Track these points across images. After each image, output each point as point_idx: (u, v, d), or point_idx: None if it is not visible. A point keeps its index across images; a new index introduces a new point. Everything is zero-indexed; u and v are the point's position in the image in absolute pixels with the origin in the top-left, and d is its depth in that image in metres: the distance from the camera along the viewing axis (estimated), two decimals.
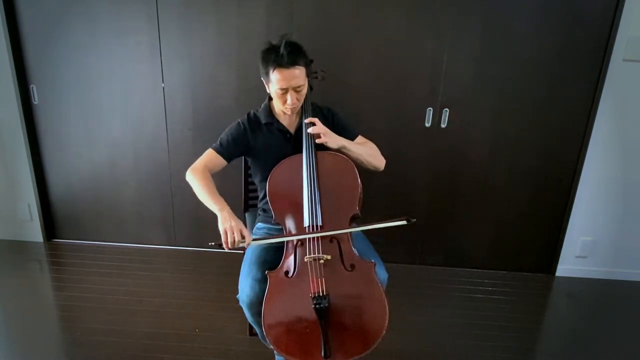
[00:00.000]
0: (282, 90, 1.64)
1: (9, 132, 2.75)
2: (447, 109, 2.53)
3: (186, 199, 2.84)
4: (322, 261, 1.54)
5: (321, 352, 1.44)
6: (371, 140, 1.91)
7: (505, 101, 2.50)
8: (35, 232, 2.99)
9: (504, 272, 2.84)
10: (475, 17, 2.36)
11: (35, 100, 2.72)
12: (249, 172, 2.09)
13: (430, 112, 2.54)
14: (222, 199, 1.62)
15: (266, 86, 1.73)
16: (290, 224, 1.67)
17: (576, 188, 2.62)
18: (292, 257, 1.60)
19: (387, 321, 1.48)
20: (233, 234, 1.50)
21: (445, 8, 2.35)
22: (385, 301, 1.50)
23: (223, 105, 2.61)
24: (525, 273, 2.83)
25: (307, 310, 1.49)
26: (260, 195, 1.94)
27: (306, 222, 1.62)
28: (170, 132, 2.71)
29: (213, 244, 1.55)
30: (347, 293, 1.52)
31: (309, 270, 1.54)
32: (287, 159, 1.74)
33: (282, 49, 1.60)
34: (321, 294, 1.48)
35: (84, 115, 2.72)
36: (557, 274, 2.82)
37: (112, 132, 2.74)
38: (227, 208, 1.59)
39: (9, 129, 2.74)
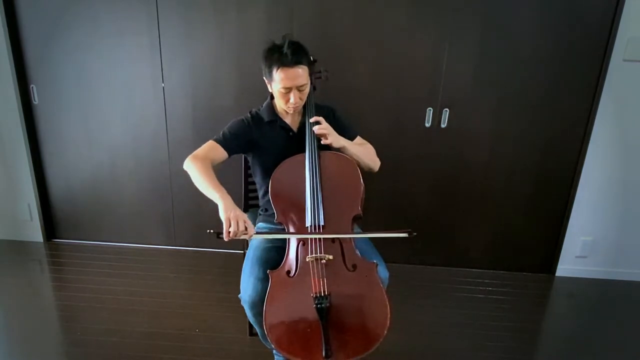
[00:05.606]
0: (286, 89, 1.64)
1: (9, 132, 2.75)
2: (447, 109, 2.53)
3: (186, 198, 2.84)
4: (324, 261, 1.54)
5: (322, 352, 1.44)
6: (371, 140, 1.92)
7: (505, 101, 2.50)
8: (35, 232, 2.99)
9: (504, 272, 2.83)
10: (475, 17, 2.36)
11: (35, 100, 2.72)
12: (249, 171, 2.09)
13: (430, 112, 2.54)
14: (223, 188, 1.55)
15: (268, 85, 1.72)
16: (292, 223, 1.66)
17: (576, 188, 2.62)
18: (293, 257, 1.59)
19: (389, 322, 1.47)
20: (237, 224, 1.43)
21: (446, 8, 2.35)
22: (387, 302, 1.49)
23: (223, 105, 2.61)
24: (525, 273, 2.83)
25: (309, 310, 1.49)
26: (261, 193, 1.93)
27: (308, 222, 1.62)
28: (170, 132, 2.71)
29: (212, 231, 1.47)
30: (348, 293, 1.52)
31: (310, 270, 1.53)
32: (289, 158, 1.73)
33: (285, 48, 1.59)
34: (322, 294, 1.48)
35: (84, 115, 2.72)
36: (557, 274, 2.82)
37: (112, 132, 2.74)
38: (229, 197, 1.52)
39: (9, 129, 2.74)
